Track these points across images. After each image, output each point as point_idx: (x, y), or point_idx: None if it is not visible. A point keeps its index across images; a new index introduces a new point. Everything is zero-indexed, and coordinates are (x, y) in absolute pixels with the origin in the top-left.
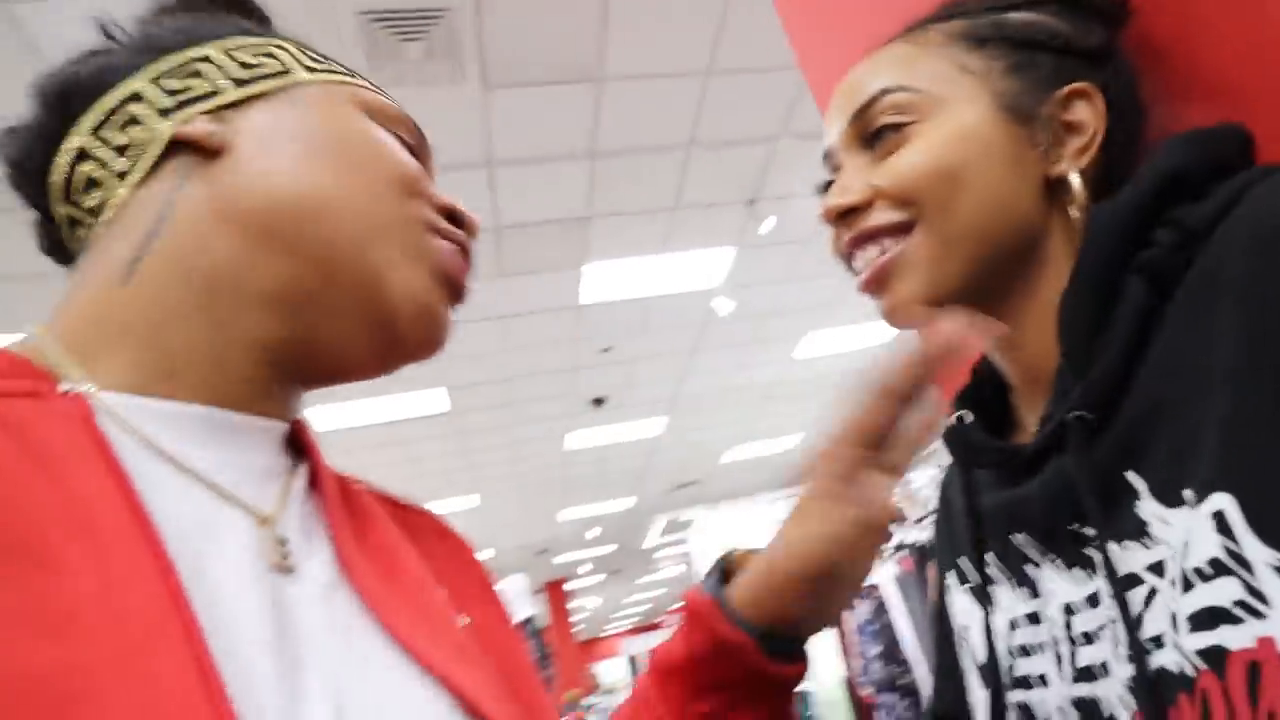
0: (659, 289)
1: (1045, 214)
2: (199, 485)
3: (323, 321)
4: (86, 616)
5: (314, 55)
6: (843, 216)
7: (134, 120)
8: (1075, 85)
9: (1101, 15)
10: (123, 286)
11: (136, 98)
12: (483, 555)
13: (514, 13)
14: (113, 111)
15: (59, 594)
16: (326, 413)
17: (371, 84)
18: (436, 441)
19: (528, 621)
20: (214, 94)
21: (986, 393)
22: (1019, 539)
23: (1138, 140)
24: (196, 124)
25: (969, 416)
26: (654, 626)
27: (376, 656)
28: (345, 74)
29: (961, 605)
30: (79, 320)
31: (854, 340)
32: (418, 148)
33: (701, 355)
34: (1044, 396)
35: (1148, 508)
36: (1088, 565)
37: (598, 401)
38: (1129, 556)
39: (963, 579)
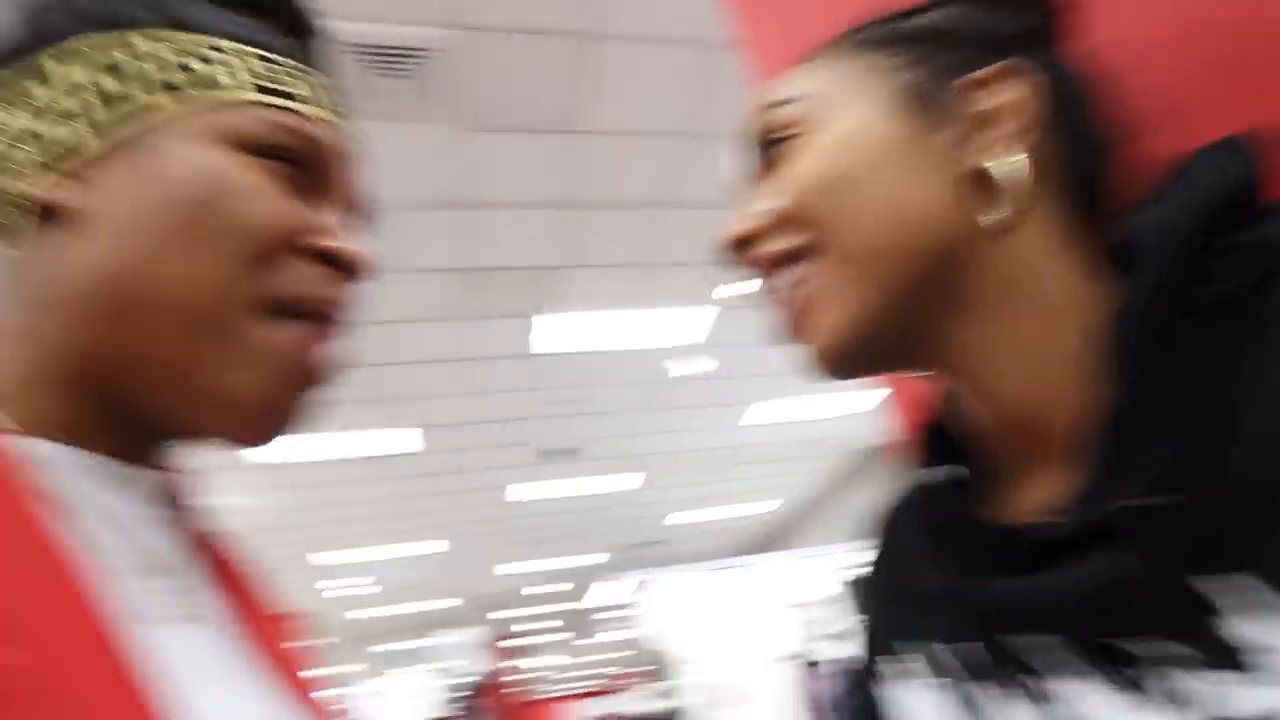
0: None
1: (975, 221)
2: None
3: (144, 400)
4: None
5: (203, 48)
6: (740, 248)
7: None
8: (985, 71)
9: (1017, 4)
10: None
11: None
12: (447, 604)
13: (496, 58)
14: None
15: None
16: (294, 442)
17: (273, 76)
18: (406, 482)
19: (482, 677)
20: (75, 149)
21: (950, 444)
22: (1029, 640)
23: (1098, 142)
24: (56, 191)
25: (944, 474)
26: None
27: (275, 701)
28: (224, 84)
29: (913, 704)
30: None
31: (801, 411)
32: (316, 160)
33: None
34: (1041, 462)
35: (1243, 628)
36: (1140, 690)
37: (565, 453)
38: (1221, 693)
39: (926, 671)
